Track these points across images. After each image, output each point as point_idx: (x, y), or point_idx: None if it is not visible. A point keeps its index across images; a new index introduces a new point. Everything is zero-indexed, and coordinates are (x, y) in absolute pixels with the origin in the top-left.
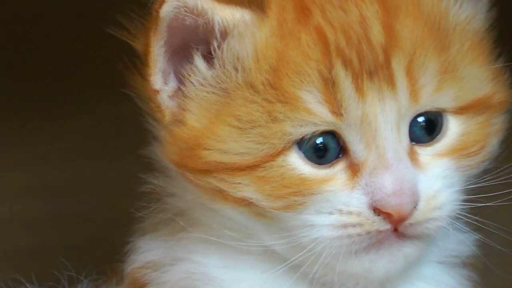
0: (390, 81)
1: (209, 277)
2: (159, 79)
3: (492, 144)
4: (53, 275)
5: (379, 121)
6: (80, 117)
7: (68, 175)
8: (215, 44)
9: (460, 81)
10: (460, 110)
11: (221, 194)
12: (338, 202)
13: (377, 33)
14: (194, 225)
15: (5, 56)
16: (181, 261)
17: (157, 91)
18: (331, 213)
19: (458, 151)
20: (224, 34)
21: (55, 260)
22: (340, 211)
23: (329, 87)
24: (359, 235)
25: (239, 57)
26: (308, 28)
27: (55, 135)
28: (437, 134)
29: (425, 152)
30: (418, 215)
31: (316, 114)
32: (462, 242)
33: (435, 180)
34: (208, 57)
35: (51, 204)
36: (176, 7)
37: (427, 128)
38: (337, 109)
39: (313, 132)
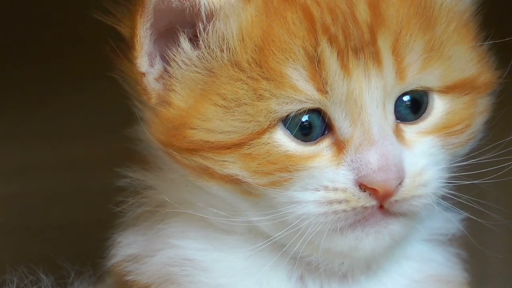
0: (376, 59)
1: (187, 260)
2: (145, 62)
3: (477, 124)
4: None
5: (365, 98)
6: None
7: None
8: (201, 26)
9: (446, 61)
10: (446, 90)
11: (208, 172)
12: (324, 178)
13: (363, 12)
14: (176, 208)
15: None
16: (160, 251)
17: (143, 74)
18: (317, 189)
19: (443, 129)
20: (210, 16)
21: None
22: (326, 188)
23: (315, 64)
24: (344, 211)
25: (224, 38)
26: (294, 6)
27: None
28: (422, 113)
29: (410, 130)
30: (403, 192)
31: (301, 91)
32: (449, 220)
33: (421, 157)
34: (194, 39)
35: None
36: None
37: (412, 107)
38: (322, 87)
39: (298, 110)
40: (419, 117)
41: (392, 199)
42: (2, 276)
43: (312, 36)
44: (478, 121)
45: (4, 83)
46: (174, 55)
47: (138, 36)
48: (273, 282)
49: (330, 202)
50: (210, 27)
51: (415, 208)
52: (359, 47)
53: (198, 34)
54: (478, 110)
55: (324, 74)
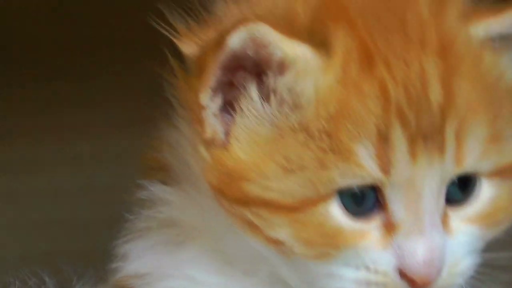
0: (441, 145)
1: None
2: (208, 97)
3: None
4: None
5: (424, 186)
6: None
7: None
8: (274, 78)
9: (503, 146)
10: (495, 173)
11: (253, 227)
12: (368, 259)
13: (436, 92)
14: (192, 237)
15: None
16: (170, 277)
17: (203, 107)
18: (358, 268)
19: (487, 217)
20: (283, 69)
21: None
22: (367, 268)
23: (383, 143)
24: None
25: (298, 98)
26: (372, 80)
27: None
28: (470, 194)
29: (456, 216)
30: (439, 282)
31: (366, 168)
32: None
33: (461, 247)
34: (265, 90)
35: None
36: (244, 40)
37: (461, 186)
38: (386, 167)
39: (359, 185)
40: (467, 198)
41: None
42: (5, 273)
43: (386, 115)
44: None
45: (10, 80)
46: (241, 102)
47: (207, 73)
48: None
49: (368, 283)
50: (284, 82)
51: None
52: (428, 132)
53: (270, 86)
54: None
55: (391, 155)
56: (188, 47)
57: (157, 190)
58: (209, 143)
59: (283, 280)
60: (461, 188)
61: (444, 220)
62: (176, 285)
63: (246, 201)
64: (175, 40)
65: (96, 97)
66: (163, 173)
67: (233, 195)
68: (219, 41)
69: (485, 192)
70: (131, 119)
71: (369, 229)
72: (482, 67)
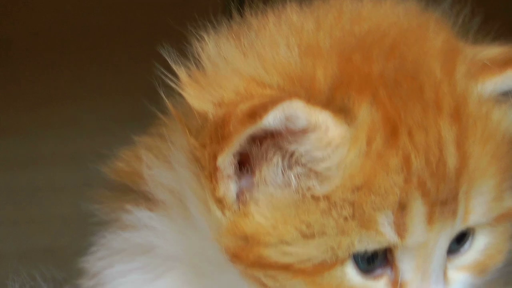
0: (454, 210)
1: None
2: (227, 162)
3: (504, 256)
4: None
5: (436, 249)
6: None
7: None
8: (295, 144)
9: (504, 200)
10: (490, 223)
11: (264, 287)
12: None
13: (452, 157)
14: (170, 268)
15: None
16: None
17: (218, 168)
18: None
19: (480, 265)
20: (307, 136)
21: None
22: None
23: (402, 210)
24: None
25: (320, 167)
26: (396, 152)
27: None
28: (465, 244)
29: (452, 265)
30: None
31: (384, 235)
32: None
33: None
34: (285, 155)
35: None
36: (280, 118)
37: (457, 238)
38: (402, 232)
39: (375, 249)
40: (462, 248)
41: None
42: (4, 268)
43: (408, 186)
44: (507, 248)
45: (10, 76)
46: (262, 167)
47: (233, 141)
48: None
49: None
50: (306, 150)
51: None
52: (446, 200)
53: (290, 153)
54: (508, 236)
55: (408, 222)
56: (199, 102)
57: (141, 215)
58: (222, 203)
59: None
60: (458, 241)
61: (444, 272)
62: None
63: (263, 265)
64: (180, 91)
65: (95, 92)
66: (145, 199)
67: (250, 260)
68: (253, 116)
69: (479, 241)
70: (132, 114)
71: (378, 287)
72: (491, 125)
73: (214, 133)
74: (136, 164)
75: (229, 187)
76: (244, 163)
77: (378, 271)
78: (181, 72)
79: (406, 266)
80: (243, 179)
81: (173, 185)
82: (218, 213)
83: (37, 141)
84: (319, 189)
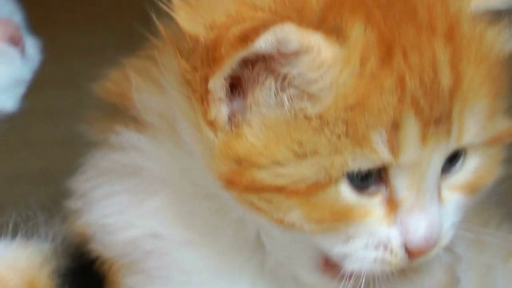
0: (448, 128)
1: (162, 254)
2: (218, 85)
3: (496, 177)
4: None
5: (430, 167)
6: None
7: None
8: (288, 66)
9: (496, 121)
10: (483, 144)
11: (260, 211)
12: (380, 236)
13: (446, 77)
14: (157, 190)
15: None
16: (133, 227)
17: (210, 91)
18: (377, 247)
19: (471, 185)
20: (300, 59)
21: None
22: (385, 247)
23: (395, 129)
24: (389, 270)
25: (313, 87)
26: (391, 73)
27: None
28: (457, 164)
29: (445, 185)
30: (432, 252)
31: (378, 153)
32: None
33: (448, 217)
34: (278, 77)
35: None
36: (271, 42)
37: (449, 158)
38: (396, 151)
39: (369, 167)
40: (454, 167)
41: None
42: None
43: (402, 105)
44: (498, 173)
45: None
46: (254, 89)
47: (225, 64)
48: (245, 272)
49: (383, 262)
50: (299, 71)
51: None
52: (439, 117)
53: (284, 75)
54: (500, 160)
55: (402, 140)
56: (190, 24)
57: (130, 136)
58: (214, 126)
59: (247, 239)
60: (450, 160)
61: (438, 192)
62: (139, 235)
63: (257, 189)
64: (172, 13)
65: (90, 16)
66: (134, 121)
67: (243, 184)
68: (243, 39)
69: (471, 162)
70: (127, 38)
71: (373, 205)
72: (485, 46)
73: (206, 56)
74: (125, 86)
75: (220, 110)
76: (236, 86)
77: (373, 188)
78: None
79: (400, 184)
80: (235, 101)
81: (162, 109)
82: (210, 135)
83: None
84: (312, 110)
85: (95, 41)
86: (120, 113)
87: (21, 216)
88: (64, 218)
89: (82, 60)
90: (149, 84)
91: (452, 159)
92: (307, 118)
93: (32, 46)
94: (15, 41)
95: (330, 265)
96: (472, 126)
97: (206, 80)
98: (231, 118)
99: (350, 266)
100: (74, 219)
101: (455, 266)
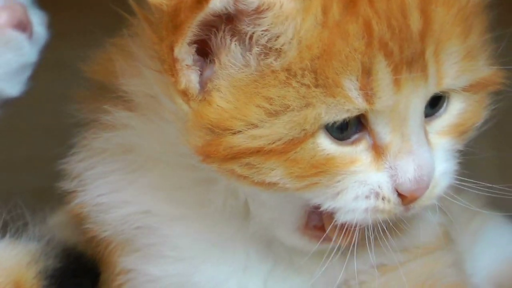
0: (424, 70)
1: (154, 229)
2: (183, 51)
3: (481, 122)
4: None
5: (409, 110)
6: None
7: None
8: (250, 26)
9: (475, 63)
10: (465, 89)
11: (242, 178)
12: (371, 183)
13: (415, 20)
14: (149, 167)
15: None
16: (126, 204)
17: (177, 59)
18: (365, 196)
19: (458, 128)
20: (260, 15)
21: None
22: (377, 194)
23: (367, 76)
24: (383, 218)
25: (276, 41)
26: (355, 19)
27: None
28: (440, 108)
29: (432, 129)
30: (421, 200)
31: (352, 101)
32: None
33: (440, 163)
34: (241, 36)
35: None
36: (226, 1)
37: (431, 101)
38: (370, 97)
39: (345, 119)
40: (437, 111)
41: (415, 203)
42: None
43: (370, 50)
44: (483, 119)
45: None
46: (220, 52)
47: (185, 29)
48: (238, 241)
49: (376, 211)
50: (262, 28)
51: (424, 209)
52: (412, 59)
53: (249, 33)
54: (485, 107)
55: (375, 86)
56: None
57: (120, 115)
58: (187, 95)
59: (236, 208)
60: (432, 102)
61: (426, 136)
62: (131, 212)
63: (235, 156)
64: None
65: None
66: (122, 99)
67: (221, 154)
68: (200, 2)
69: (455, 106)
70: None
71: (358, 153)
72: None
73: (169, 24)
74: (110, 66)
75: (190, 78)
76: (208, 54)
77: (356, 136)
78: None
79: (383, 130)
80: (208, 69)
81: (145, 89)
82: (184, 106)
83: None
84: (278, 63)
85: (81, 24)
86: (108, 92)
87: (10, 215)
88: (49, 214)
89: (68, 43)
90: (130, 63)
91: (436, 104)
92: (274, 72)
93: (38, 23)
94: (23, 26)
95: (310, 228)
96: (449, 68)
97: (172, 49)
98: (204, 86)
99: (341, 218)
100: (69, 200)
101: (448, 228)
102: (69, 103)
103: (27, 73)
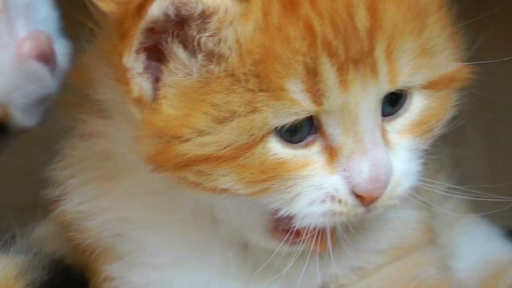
0: (374, 68)
1: (130, 236)
2: (131, 59)
3: (447, 119)
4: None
5: (360, 109)
6: None
7: None
8: (195, 30)
9: (433, 59)
10: (426, 86)
11: (195, 185)
12: (326, 187)
13: (362, 18)
14: (126, 173)
15: None
16: (106, 211)
17: (128, 68)
18: (323, 201)
19: (420, 126)
20: (205, 20)
21: None
22: (333, 198)
23: (313, 77)
24: (341, 220)
25: (219, 46)
26: (296, 21)
27: None
28: (401, 107)
29: (392, 129)
30: (382, 200)
31: (299, 103)
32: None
33: (402, 163)
34: (187, 42)
35: None
36: (165, 6)
37: (392, 99)
38: (318, 99)
39: (293, 121)
40: (397, 111)
41: (375, 203)
42: None
43: (313, 51)
44: (448, 117)
45: None
46: (167, 60)
47: (131, 37)
48: (216, 246)
49: (333, 214)
50: (205, 34)
51: (387, 209)
52: (359, 57)
53: (193, 40)
54: (451, 104)
55: (322, 87)
56: (107, 5)
57: (96, 123)
58: (141, 104)
59: (205, 213)
60: (392, 101)
61: (384, 136)
62: (111, 219)
63: (186, 163)
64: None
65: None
66: (98, 107)
67: (172, 162)
68: (139, 9)
69: (416, 104)
70: None
71: (311, 155)
72: None
73: (118, 32)
74: (88, 74)
75: (142, 86)
76: (162, 61)
77: (308, 139)
78: None
79: (335, 131)
80: (161, 76)
81: (114, 97)
82: (138, 115)
83: None
84: (221, 69)
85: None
86: (86, 100)
87: None
88: (36, 226)
89: None
90: (102, 70)
91: (396, 103)
92: (218, 78)
93: (62, 54)
94: (47, 58)
95: (279, 231)
96: (404, 66)
97: (122, 57)
98: (154, 93)
99: (299, 223)
100: (54, 208)
101: (432, 222)
102: (55, 109)
103: (46, 105)
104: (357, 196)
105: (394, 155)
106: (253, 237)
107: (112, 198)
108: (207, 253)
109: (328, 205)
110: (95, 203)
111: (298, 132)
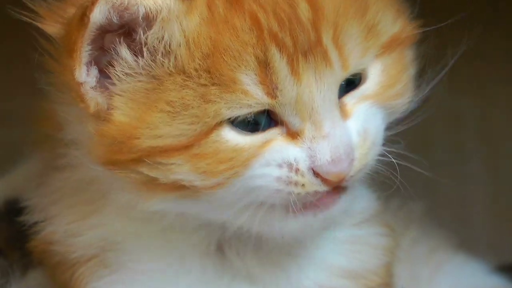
0: (325, 57)
1: (115, 251)
2: (84, 73)
3: (408, 76)
4: None
5: (316, 99)
6: None
7: None
8: (141, 33)
9: (378, 33)
10: (378, 54)
11: (151, 184)
12: (287, 154)
13: (304, 10)
14: (108, 199)
15: None
16: (84, 235)
17: (81, 84)
18: (280, 166)
19: (380, 89)
20: (150, 22)
21: None
22: (290, 166)
23: (265, 69)
24: (298, 194)
25: (167, 45)
26: (241, 14)
27: None
28: (358, 83)
29: (350, 100)
30: (356, 166)
31: (252, 96)
32: (370, 200)
33: (362, 122)
34: (135, 47)
35: None
36: (106, 11)
37: (347, 82)
38: (272, 91)
39: (247, 114)
40: (355, 87)
41: (347, 178)
42: None
43: (261, 42)
44: (409, 73)
45: None
46: (114, 67)
47: (78, 50)
48: (194, 256)
49: (289, 183)
50: (150, 33)
51: (359, 180)
52: (308, 48)
53: (140, 41)
54: (407, 62)
55: (274, 79)
56: (53, 27)
57: (75, 154)
58: (96, 117)
59: (184, 225)
60: (349, 83)
61: (342, 110)
62: (101, 233)
63: (140, 157)
64: (38, 24)
65: None
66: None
67: (126, 157)
68: (81, 18)
69: (372, 74)
70: None
71: (272, 136)
72: None
73: (66, 48)
74: (54, 117)
75: (97, 100)
76: (111, 72)
77: (267, 127)
78: (39, 7)
79: (293, 120)
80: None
81: (83, 129)
82: (90, 128)
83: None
84: (172, 67)
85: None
86: (57, 141)
87: None
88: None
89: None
90: (66, 107)
91: (353, 81)
92: (171, 76)
93: None
94: None
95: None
96: (354, 50)
97: (73, 73)
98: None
99: (251, 184)
100: (36, 232)
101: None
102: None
103: None
104: (320, 177)
105: (353, 119)
106: (271, 225)
107: (101, 215)
108: (185, 264)
109: (284, 171)
110: (85, 221)
111: (254, 123)
